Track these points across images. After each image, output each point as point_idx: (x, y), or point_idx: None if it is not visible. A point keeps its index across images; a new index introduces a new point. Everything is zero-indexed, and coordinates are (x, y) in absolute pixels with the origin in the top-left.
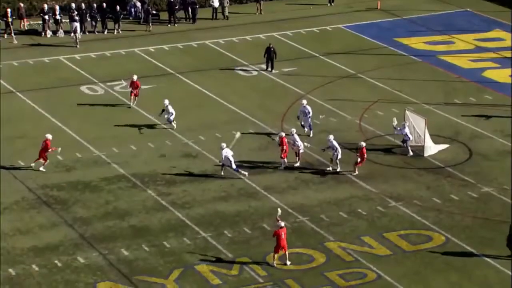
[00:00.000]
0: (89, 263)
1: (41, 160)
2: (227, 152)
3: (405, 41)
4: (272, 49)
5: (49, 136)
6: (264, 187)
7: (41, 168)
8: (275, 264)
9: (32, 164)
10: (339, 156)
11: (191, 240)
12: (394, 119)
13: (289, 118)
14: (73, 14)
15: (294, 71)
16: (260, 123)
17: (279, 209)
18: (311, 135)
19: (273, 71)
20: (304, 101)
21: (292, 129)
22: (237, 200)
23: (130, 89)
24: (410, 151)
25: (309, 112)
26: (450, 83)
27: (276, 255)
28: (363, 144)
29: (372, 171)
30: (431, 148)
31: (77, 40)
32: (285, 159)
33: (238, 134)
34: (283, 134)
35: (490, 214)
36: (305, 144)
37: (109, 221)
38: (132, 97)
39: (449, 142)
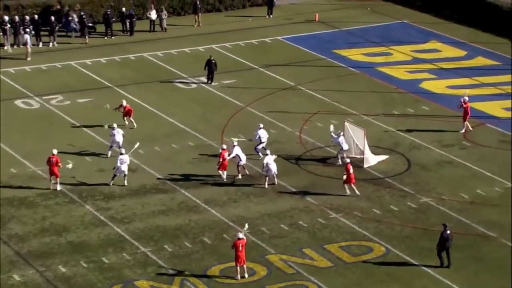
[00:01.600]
0: (25, 280)
1: (53, 178)
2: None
3: (343, 52)
4: (213, 61)
5: (55, 151)
6: (204, 200)
7: (58, 187)
8: (239, 277)
9: (58, 187)
10: (242, 163)
11: (131, 255)
12: (331, 126)
13: (229, 130)
14: (24, 27)
15: (234, 83)
16: (200, 136)
17: (246, 224)
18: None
19: (213, 83)
20: (261, 125)
21: (234, 141)
22: (177, 214)
23: (121, 112)
24: (339, 160)
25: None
26: (388, 94)
27: (238, 268)
28: (347, 160)
29: (313, 182)
30: (371, 159)
31: (28, 52)
32: (224, 172)
33: (137, 144)
34: (224, 147)
35: (429, 224)
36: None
37: (46, 238)
38: (126, 118)
39: (388, 153)
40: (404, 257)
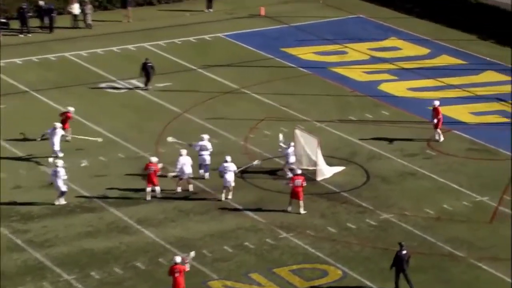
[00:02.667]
0: None
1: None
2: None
3: (293, 51)
4: (149, 65)
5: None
6: (137, 220)
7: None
8: None
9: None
10: (186, 176)
11: (52, 284)
12: (281, 135)
13: (165, 140)
14: None
15: (170, 86)
16: (132, 146)
17: (192, 253)
18: (206, 177)
19: (149, 87)
20: (206, 136)
21: (169, 139)
22: (106, 236)
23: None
24: (288, 172)
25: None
26: (344, 98)
27: None
28: (298, 171)
29: (261, 198)
30: (325, 171)
31: None
32: (152, 188)
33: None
34: (153, 159)
35: (391, 243)
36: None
37: None
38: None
39: (345, 164)
40: (363, 280)
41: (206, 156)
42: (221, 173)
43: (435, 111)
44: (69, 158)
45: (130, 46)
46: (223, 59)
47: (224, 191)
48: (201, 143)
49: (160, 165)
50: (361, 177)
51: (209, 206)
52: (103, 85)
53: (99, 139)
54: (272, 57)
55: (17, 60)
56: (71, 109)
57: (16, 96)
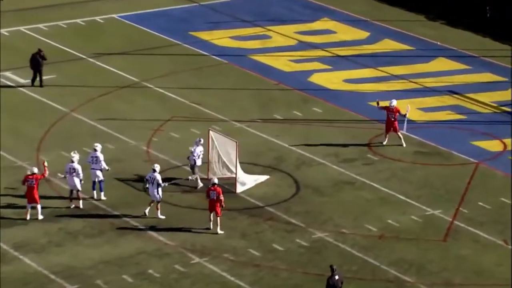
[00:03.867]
0: None
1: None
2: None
3: (204, 35)
4: (40, 54)
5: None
6: (14, 245)
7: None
8: None
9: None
10: (78, 188)
11: None
12: (199, 139)
13: (48, 146)
14: None
15: (53, 79)
16: (7, 155)
17: None
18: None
19: (38, 85)
20: (98, 146)
21: (74, 155)
22: None
23: None
24: (199, 182)
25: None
26: (267, 92)
27: None
28: (215, 180)
29: (167, 215)
30: (245, 181)
31: None
32: (38, 205)
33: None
34: (35, 170)
35: (326, 267)
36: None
37: None
38: None
39: (269, 172)
40: None
41: (98, 171)
42: (145, 186)
43: (388, 110)
44: None
45: (3, 31)
46: (118, 45)
47: (150, 205)
48: (92, 154)
49: (46, 173)
50: (288, 188)
51: (103, 226)
52: None
53: None
54: (179, 43)
55: None
56: None
57: None
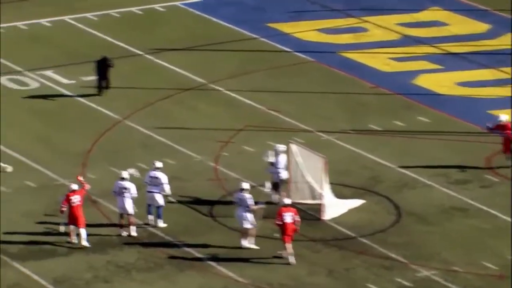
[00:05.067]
0: None
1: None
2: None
3: (285, 27)
4: (108, 61)
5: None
6: (54, 280)
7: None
8: None
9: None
10: (130, 212)
11: None
12: (269, 152)
13: (95, 161)
14: None
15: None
16: (44, 170)
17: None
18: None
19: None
20: (158, 164)
21: (131, 172)
22: None
23: None
24: (283, 199)
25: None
26: (360, 97)
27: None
28: (286, 201)
29: (236, 245)
30: (334, 207)
31: None
32: (80, 230)
33: None
34: (75, 187)
35: None
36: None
37: None
38: None
39: (362, 195)
40: None
41: (157, 195)
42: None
43: (502, 128)
44: None
45: (43, 21)
46: (181, 39)
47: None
48: (151, 173)
49: (87, 186)
50: (387, 214)
51: (160, 258)
52: (2, 78)
53: (9, 168)
54: (254, 37)
55: None
56: None
57: None
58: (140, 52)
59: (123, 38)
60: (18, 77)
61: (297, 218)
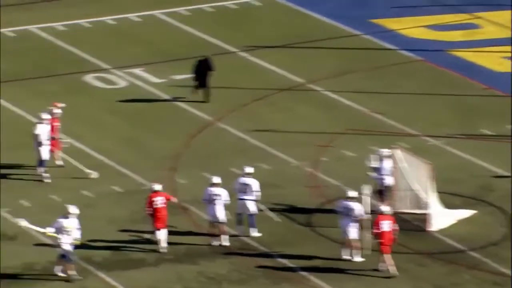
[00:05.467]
0: None
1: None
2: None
3: (390, 23)
4: (207, 61)
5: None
6: None
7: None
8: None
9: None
10: (222, 219)
11: None
12: (371, 157)
13: (186, 164)
14: None
15: (192, 79)
16: (131, 173)
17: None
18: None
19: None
20: (249, 169)
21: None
22: None
23: None
24: (381, 206)
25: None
26: (472, 99)
27: None
28: (384, 209)
29: (335, 256)
30: (442, 217)
31: None
32: (161, 230)
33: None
34: (157, 187)
35: None
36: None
37: None
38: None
39: (473, 205)
40: None
41: (249, 202)
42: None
43: None
44: (33, 194)
45: (131, 16)
46: (278, 36)
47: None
48: (241, 180)
49: (160, 188)
50: (499, 226)
51: (253, 270)
52: (88, 76)
53: (93, 174)
54: (356, 33)
55: None
56: (57, 110)
57: None
58: (234, 50)
59: (216, 35)
60: (105, 75)
61: (395, 226)
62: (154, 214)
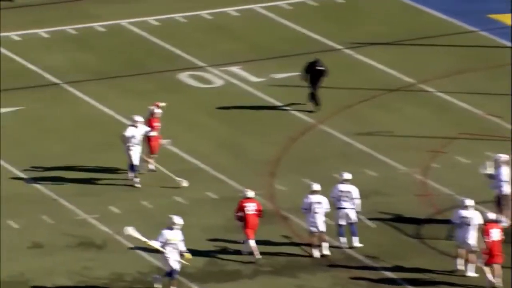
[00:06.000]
0: None
1: None
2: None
3: (510, 19)
4: (321, 68)
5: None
6: None
7: None
8: None
9: None
10: (321, 229)
11: None
12: (487, 163)
13: (286, 169)
14: None
15: (294, 78)
16: (227, 179)
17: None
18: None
19: (316, 106)
20: (346, 175)
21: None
22: None
23: None
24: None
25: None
26: None
27: None
28: (491, 216)
29: (448, 269)
30: None
31: None
32: (249, 241)
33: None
34: (250, 194)
35: None
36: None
37: None
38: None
39: None
40: None
41: (350, 210)
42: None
43: None
44: (123, 200)
45: (230, 10)
46: (386, 32)
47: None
48: (340, 187)
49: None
50: None
51: (358, 283)
52: (182, 75)
53: (184, 183)
54: (473, 30)
55: (41, 33)
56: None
57: (37, 91)
58: (339, 47)
59: (320, 30)
60: (201, 73)
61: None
62: (244, 220)
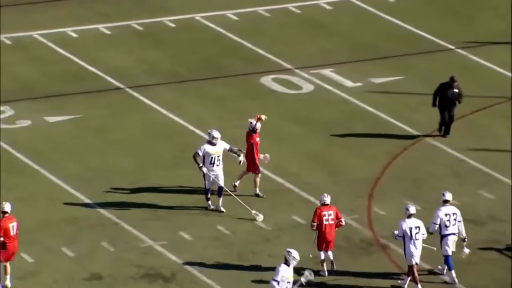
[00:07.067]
0: None
1: None
2: None
3: None
4: (456, 91)
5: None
6: None
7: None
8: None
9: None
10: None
11: None
12: None
13: (385, 190)
14: None
15: (399, 82)
16: (317, 201)
17: None
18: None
19: (447, 135)
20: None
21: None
22: None
23: None
24: None
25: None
26: None
27: None
28: None
29: None
30: None
31: None
32: (324, 253)
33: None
34: (326, 199)
35: None
36: None
37: None
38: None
39: None
40: None
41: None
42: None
43: None
44: (196, 225)
45: (321, 2)
46: (508, 30)
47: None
48: (445, 209)
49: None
50: None
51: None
52: (265, 78)
53: (259, 217)
54: None
55: (103, 29)
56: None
57: (99, 97)
58: (451, 47)
59: (428, 27)
60: (287, 76)
61: None
62: (320, 231)
